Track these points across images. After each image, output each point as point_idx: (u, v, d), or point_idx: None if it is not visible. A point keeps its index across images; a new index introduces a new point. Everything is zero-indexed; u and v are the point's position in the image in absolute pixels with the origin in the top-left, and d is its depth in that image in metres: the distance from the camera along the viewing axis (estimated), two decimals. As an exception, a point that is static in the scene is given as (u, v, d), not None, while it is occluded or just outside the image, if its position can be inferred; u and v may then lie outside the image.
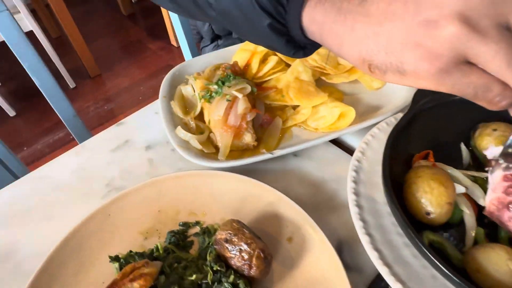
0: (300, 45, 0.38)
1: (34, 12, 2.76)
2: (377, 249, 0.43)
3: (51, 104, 0.85)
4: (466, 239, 0.45)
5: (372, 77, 0.31)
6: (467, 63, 0.26)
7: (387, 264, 0.42)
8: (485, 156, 0.52)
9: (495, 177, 0.46)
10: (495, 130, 0.52)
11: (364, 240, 0.44)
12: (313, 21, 0.32)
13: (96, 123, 2.21)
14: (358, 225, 0.46)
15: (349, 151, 0.62)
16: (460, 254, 0.44)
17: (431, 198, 0.44)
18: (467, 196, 0.48)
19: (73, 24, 2.29)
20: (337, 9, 0.30)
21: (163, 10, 2.43)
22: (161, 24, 2.68)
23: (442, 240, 0.44)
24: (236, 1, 0.35)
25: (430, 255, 0.38)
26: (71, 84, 2.44)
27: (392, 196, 0.43)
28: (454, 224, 0.46)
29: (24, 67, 0.77)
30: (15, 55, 0.74)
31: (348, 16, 0.30)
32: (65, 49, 2.72)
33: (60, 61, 2.30)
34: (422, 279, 0.41)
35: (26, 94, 2.40)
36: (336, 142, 0.63)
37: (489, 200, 0.45)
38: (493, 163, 0.48)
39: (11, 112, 2.26)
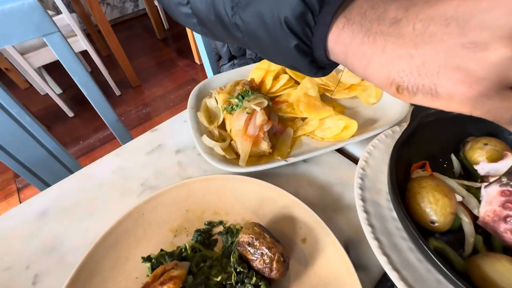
0: (321, 66, 0.30)
1: (88, 36, 2.69)
2: (385, 254, 0.36)
3: (97, 111, 0.77)
4: (465, 245, 0.37)
5: (398, 98, 0.23)
6: (509, 88, 0.19)
7: (396, 269, 0.34)
8: (475, 168, 0.44)
9: (491, 191, 0.38)
10: (486, 144, 0.44)
11: (373, 244, 0.36)
12: (339, 42, 0.24)
13: (137, 123, 2.13)
14: (367, 230, 0.38)
15: (350, 157, 0.54)
16: (462, 260, 0.36)
17: (436, 208, 0.36)
18: (463, 205, 0.40)
19: (119, 45, 2.19)
20: (365, 30, 0.22)
21: (189, 35, 2.34)
22: (187, 47, 2.60)
23: (444, 246, 0.37)
24: (264, 23, 0.27)
25: (438, 263, 0.31)
26: (117, 92, 2.36)
27: (401, 207, 0.35)
28: (452, 231, 0.39)
29: (74, 80, 0.69)
30: (66, 69, 0.66)
31: (378, 37, 0.21)
32: (113, 65, 2.64)
33: (109, 74, 2.22)
34: (427, 283, 0.34)
35: (81, 100, 2.31)
36: (338, 150, 0.55)
37: (484, 212, 0.38)
38: (490, 179, 0.40)
39: (70, 114, 2.18)
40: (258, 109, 0.50)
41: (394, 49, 0.21)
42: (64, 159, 0.80)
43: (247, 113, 0.51)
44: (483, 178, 0.41)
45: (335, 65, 0.30)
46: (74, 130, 2.10)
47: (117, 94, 2.36)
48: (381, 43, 0.21)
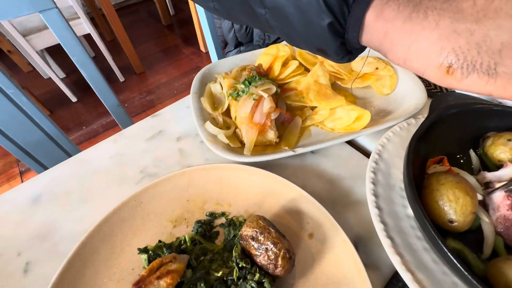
0: (349, 50, 0.27)
1: (92, 20, 2.63)
2: (398, 254, 0.33)
3: (97, 94, 0.74)
4: (484, 247, 0.35)
5: (442, 82, 0.20)
6: None
7: (410, 270, 0.32)
8: (499, 165, 0.41)
9: (496, 197, 0.36)
10: (510, 140, 0.41)
11: (386, 243, 0.34)
12: (380, 18, 0.22)
13: (140, 110, 2.11)
14: (379, 228, 0.35)
15: (361, 150, 0.51)
16: (481, 263, 0.33)
17: (456, 207, 0.33)
18: (482, 204, 0.38)
19: (123, 31, 2.15)
20: (414, 5, 0.20)
21: (195, 22, 2.29)
22: (193, 34, 2.55)
23: (463, 248, 0.34)
24: None
25: (458, 265, 0.28)
26: (121, 78, 2.32)
27: (418, 204, 0.32)
28: (469, 231, 0.36)
29: (73, 61, 0.66)
30: (64, 48, 0.63)
31: (430, 12, 0.19)
32: (117, 50, 2.60)
33: (113, 60, 2.18)
34: (443, 286, 0.31)
35: (85, 85, 2.26)
36: (349, 142, 0.52)
37: (495, 220, 0.35)
38: (496, 185, 0.37)
39: (73, 99, 2.15)
40: (265, 95, 0.47)
41: (450, 24, 0.18)
42: (63, 144, 0.78)
43: (254, 99, 0.48)
44: (487, 185, 0.39)
45: (362, 49, 0.28)
46: (76, 115, 2.08)
47: (121, 80, 2.33)
48: (433, 18, 0.19)
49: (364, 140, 0.52)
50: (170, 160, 0.50)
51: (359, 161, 0.48)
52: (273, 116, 0.47)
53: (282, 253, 0.32)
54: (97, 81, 0.73)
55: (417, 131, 0.39)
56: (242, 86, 0.51)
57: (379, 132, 0.48)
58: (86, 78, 0.71)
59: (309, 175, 0.47)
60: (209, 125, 0.48)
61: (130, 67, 2.41)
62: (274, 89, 0.49)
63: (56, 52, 2.19)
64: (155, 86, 2.30)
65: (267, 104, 0.47)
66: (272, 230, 0.33)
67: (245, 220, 0.39)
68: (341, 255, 0.35)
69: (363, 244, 0.39)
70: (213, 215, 0.41)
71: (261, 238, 0.33)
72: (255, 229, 0.33)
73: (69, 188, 0.47)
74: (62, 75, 2.35)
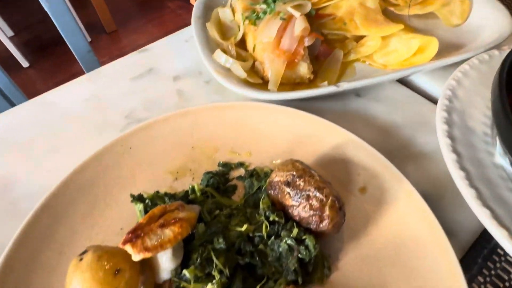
0: None
1: (50, -38, 2.60)
2: (487, 206, 0.31)
3: (62, 34, 0.72)
4: None
5: None
6: None
7: (504, 226, 0.30)
8: None
9: None
10: None
11: (469, 194, 0.32)
12: None
13: (111, 80, 2.09)
14: (458, 176, 0.34)
15: (421, 94, 0.49)
16: None
17: None
18: None
19: (91, -23, 2.13)
20: None
21: (184, -34, 2.25)
22: (181, -18, 2.51)
23: None
24: None
25: None
26: (87, 38, 2.30)
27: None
28: None
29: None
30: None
31: None
32: (81, 3, 2.56)
33: (76, 14, 2.15)
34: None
35: (40, 45, 2.26)
36: (405, 84, 0.50)
37: None
38: None
39: (24, 63, 2.13)
40: (297, 14, 0.45)
41: None
42: (10, 94, 0.76)
43: (282, 19, 0.45)
44: None
45: None
46: (30, 84, 2.05)
47: (87, 41, 2.30)
48: None
49: (424, 81, 0.50)
50: (166, 102, 0.48)
51: (420, 106, 0.46)
52: (307, 42, 0.45)
53: (330, 200, 0.30)
54: (62, 15, 0.70)
55: (510, 52, 0.37)
56: (263, 6, 0.49)
57: (446, 71, 0.46)
58: (48, 11, 0.69)
59: (355, 122, 0.44)
60: (219, 54, 0.46)
61: (98, 25, 2.39)
62: (308, 6, 0.47)
63: (1, 4, 2.17)
64: (131, 49, 2.25)
65: (299, 24, 0.44)
66: (315, 174, 0.31)
67: (271, 170, 0.37)
68: (406, 210, 0.33)
69: (432, 204, 0.37)
70: (227, 166, 0.39)
71: (300, 182, 0.31)
72: (291, 172, 0.32)
73: (29, 136, 0.45)
74: (10, 33, 2.33)
